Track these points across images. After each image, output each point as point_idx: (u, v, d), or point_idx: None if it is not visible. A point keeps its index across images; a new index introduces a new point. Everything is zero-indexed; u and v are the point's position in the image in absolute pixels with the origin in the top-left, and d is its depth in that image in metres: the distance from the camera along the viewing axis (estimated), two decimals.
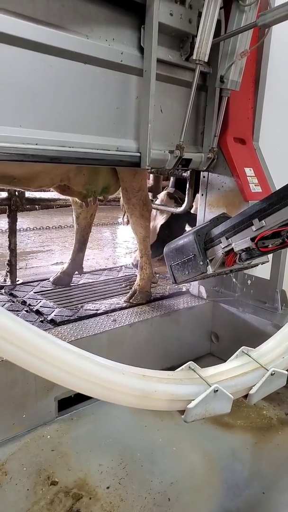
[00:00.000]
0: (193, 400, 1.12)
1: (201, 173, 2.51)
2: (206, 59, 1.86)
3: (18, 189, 2.58)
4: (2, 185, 2.19)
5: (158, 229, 3.38)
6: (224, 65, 2.06)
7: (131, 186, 2.45)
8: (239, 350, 1.40)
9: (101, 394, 0.98)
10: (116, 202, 3.50)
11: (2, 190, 3.09)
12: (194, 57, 1.85)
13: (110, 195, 2.67)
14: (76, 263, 2.86)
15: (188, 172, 2.78)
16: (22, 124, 1.58)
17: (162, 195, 3.38)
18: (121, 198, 2.78)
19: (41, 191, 2.98)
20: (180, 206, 3.13)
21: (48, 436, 1.82)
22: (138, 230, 2.60)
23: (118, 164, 1.96)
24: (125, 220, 2.84)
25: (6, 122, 1.54)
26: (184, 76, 2.08)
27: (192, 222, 3.11)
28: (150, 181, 3.66)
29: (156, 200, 3.46)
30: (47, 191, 2.98)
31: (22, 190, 2.99)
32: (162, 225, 3.39)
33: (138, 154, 1.96)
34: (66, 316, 2.23)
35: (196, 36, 1.85)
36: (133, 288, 2.60)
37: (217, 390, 1.15)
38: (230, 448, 1.82)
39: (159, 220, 3.37)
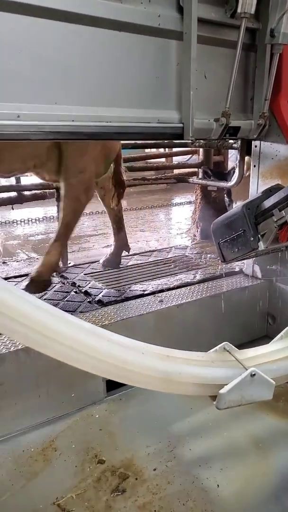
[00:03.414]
0: (226, 385, 1.02)
1: (252, 142, 2.32)
2: (252, 11, 1.67)
3: None
4: None
5: None
6: (275, 16, 1.84)
7: (75, 166, 2.21)
8: (285, 330, 1.26)
9: (117, 375, 0.92)
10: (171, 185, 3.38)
11: None
12: (239, 10, 1.68)
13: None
14: (120, 242, 2.82)
15: (239, 142, 2.59)
16: (58, 100, 1.54)
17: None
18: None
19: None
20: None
21: (97, 416, 1.83)
22: (66, 213, 2.29)
23: (160, 137, 1.88)
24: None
25: (42, 100, 1.51)
26: (230, 36, 1.89)
27: None
28: (200, 157, 3.50)
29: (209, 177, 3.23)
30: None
31: None
32: None
33: (181, 125, 1.84)
34: (113, 297, 2.22)
35: None
36: (29, 276, 2.31)
37: (254, 374, 1.03)
38: (286, 437, 1.70)
39: None
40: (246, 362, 1.08)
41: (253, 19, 1.81)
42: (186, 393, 1.02)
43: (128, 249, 2.87)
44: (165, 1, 1.67)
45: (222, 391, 1.02)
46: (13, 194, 3.08)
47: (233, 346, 1.13)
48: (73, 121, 1.58)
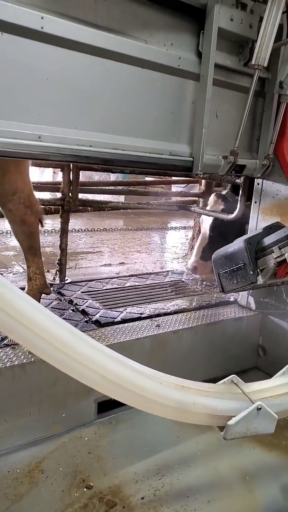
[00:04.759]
0: (234, 416, 1.06)
1: (255, 180, 2.43)
2: (265, 64, 1.79)
3: None
4: None
5: (208, 232, 3.22)
6: (284, 70, 1.99)
7: (3, 190, 2.03)
8: (287, 366, 1.32)
9: (134, 402, 0.95)
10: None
11: (57, 190, 3.20)
12: (253, 62, 1.79)
13: None
14: None
15: (242, 178, 2.69)
16: (78, 126, 1.61)
17: (212, 196, 3.27)
18: None
19: None
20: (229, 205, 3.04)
21: (86, 438, 1.82)
22: (21, 238, 2.18)
23: (171, 169, 1.95)
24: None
25: (63, 124, 1.57)
26: (242, 82, 2.02)
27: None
28: (202, 187, 3.61)
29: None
30: None
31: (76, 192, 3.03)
32: (211, 226, 3.21)
33: (191, 159, 1.92)
34: (110, 318, 2.24)
35: (256, 41, 1.79)
36: None
37: (260, 408, 1.08)
38: (273, 471, 1.72)
39: (206, 223, 3.19)
40: (253, 395, 1.12)
41: (264, 69, 1.93)
42: (196, 422, 1.05)
43: None
44: (186, 46, 1.79)
45: (230, 422, 1.05)
46: None
47: (240, 379, 1.18)
48: (90, 146, 1.64)
